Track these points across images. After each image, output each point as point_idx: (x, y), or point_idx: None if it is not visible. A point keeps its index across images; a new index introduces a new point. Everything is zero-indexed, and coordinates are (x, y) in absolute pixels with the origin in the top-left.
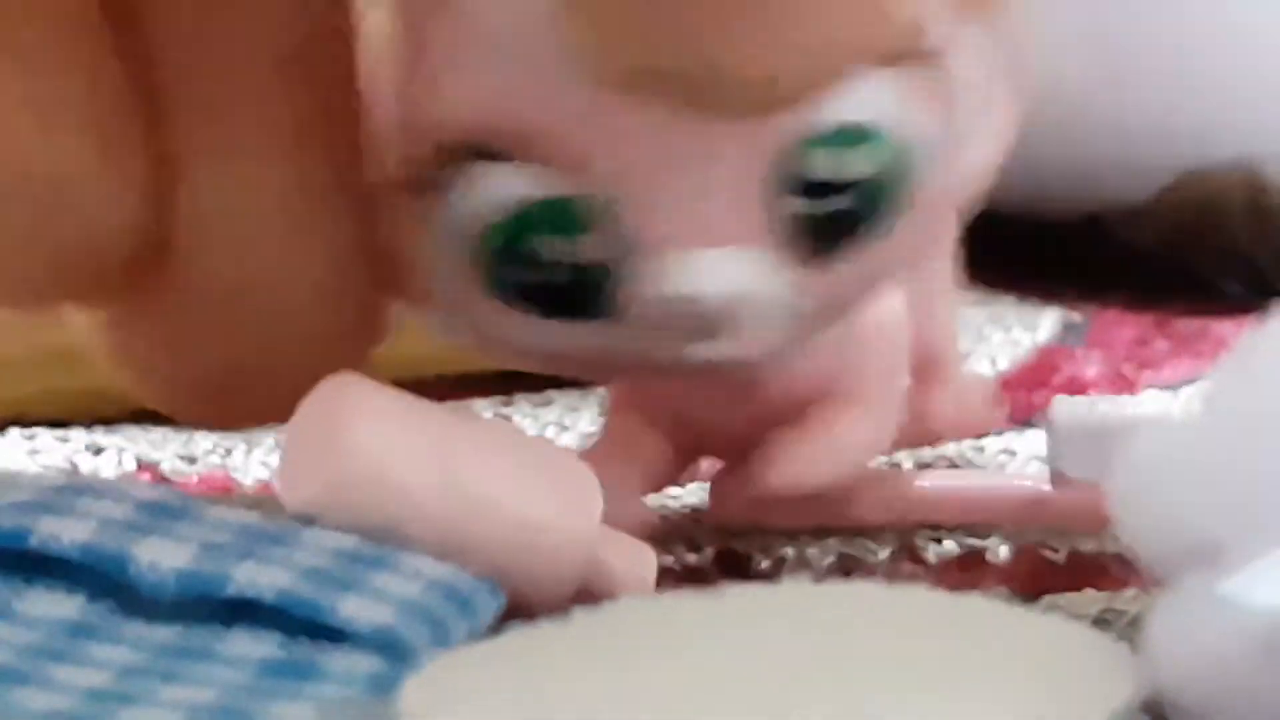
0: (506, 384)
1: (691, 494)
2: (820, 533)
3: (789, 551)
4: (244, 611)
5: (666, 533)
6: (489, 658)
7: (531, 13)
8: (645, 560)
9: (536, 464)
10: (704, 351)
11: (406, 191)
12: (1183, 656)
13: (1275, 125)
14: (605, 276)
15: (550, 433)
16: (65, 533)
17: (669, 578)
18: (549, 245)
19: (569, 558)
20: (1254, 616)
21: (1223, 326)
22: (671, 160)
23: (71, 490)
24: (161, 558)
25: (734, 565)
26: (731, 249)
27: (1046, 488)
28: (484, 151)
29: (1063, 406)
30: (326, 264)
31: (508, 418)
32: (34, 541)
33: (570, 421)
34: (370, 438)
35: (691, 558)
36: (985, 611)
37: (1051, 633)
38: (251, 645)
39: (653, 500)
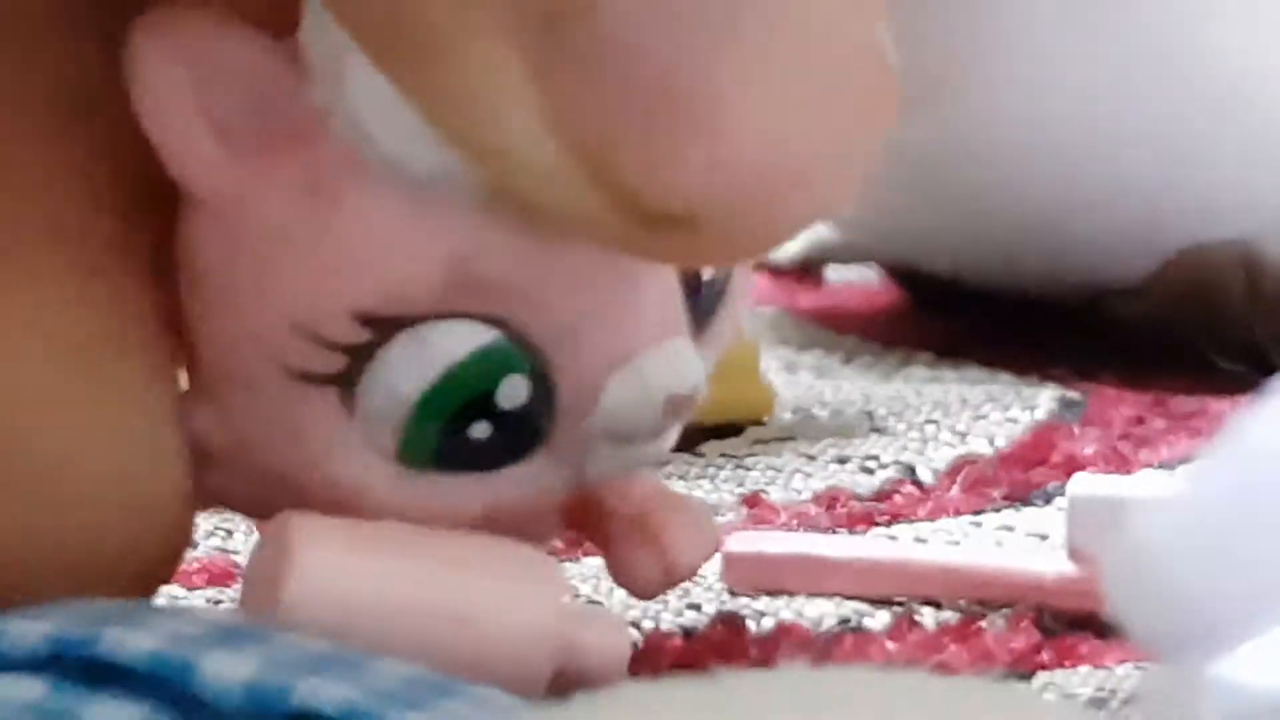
0: None
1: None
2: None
3: (787, 615)
4: None
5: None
6: None
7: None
8: (618, 634)
9: (491, 561)
10: (656, 450)
11: (304, 381)
12: None
13: (1273, 203)
14: (551, 407)
15: None
16: (133, 640)
17: (667, 640)
18: (499, 393)
19: (532, 648)
20: (1247, 697)
21: (1220, 404)
22: (611, 275)
23: (145, 608)
24: (226, 669)
25: (732, 627)
26: (680, 338)
27: (1048, 568)
28: (408, 318)
29: (1082, 483)
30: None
31: None
32: (102, 648)
33: None
34: (320, 560)
35: (690, 616)
36: (981, 694)
37: (1050, 714)
38: None
39: None
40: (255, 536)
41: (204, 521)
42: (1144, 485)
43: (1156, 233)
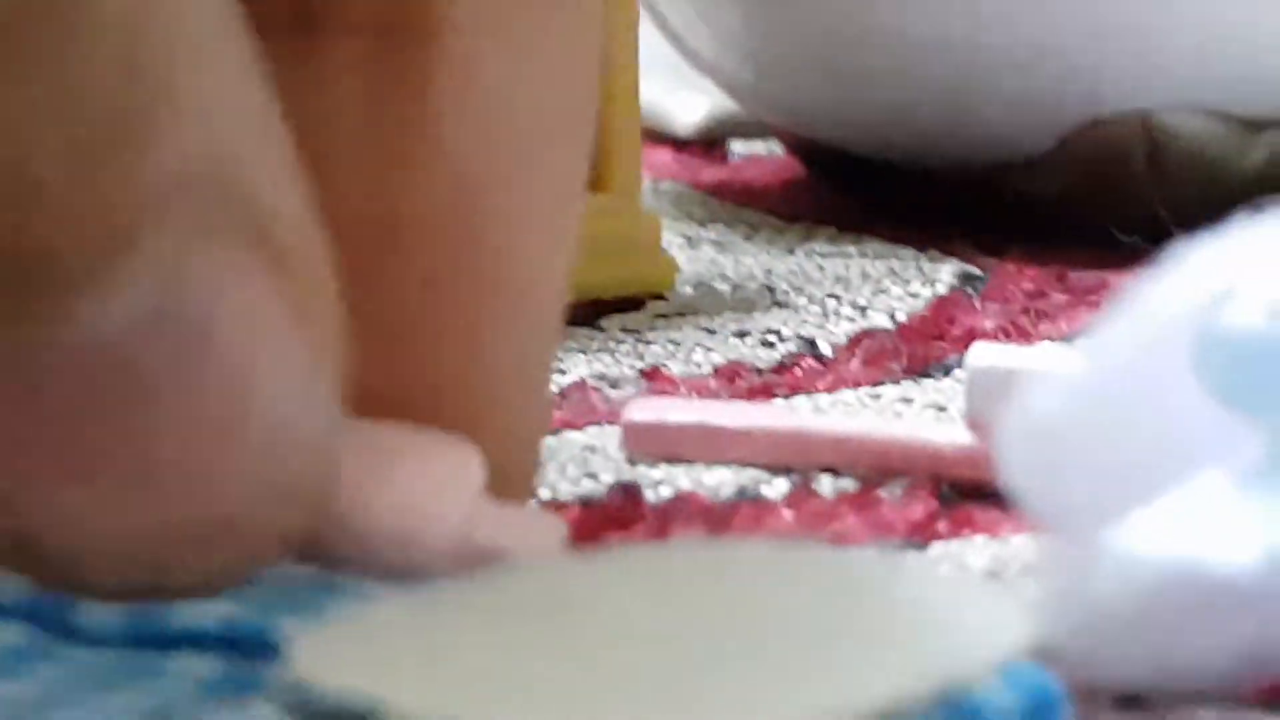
0: None
1: None
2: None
3: (685, 484)
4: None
5: (566, 461)
6: (383, 620)
7: None
8: (545, 538)
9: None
10: None
11: None
12: (1070, 606)
13: (1173, 75)
14: None
15: None
16: (2, 579)
17: (564, 509)
18: None
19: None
20: (1138, 565)
21: (1121, 278)
22: None
23: None
24: (106, 610)
25: (630, 496)
26: None
27: (946, 437)
28: None
29: (980, 354)
30: None
31: None
32: None
33: None
34: None
35: (587, 485)
36: (878, 566)
37: (944, 585)
38: (192, 663)
39: None
40: None
41: None
42: (1041, 357)
43: (1058, 106)
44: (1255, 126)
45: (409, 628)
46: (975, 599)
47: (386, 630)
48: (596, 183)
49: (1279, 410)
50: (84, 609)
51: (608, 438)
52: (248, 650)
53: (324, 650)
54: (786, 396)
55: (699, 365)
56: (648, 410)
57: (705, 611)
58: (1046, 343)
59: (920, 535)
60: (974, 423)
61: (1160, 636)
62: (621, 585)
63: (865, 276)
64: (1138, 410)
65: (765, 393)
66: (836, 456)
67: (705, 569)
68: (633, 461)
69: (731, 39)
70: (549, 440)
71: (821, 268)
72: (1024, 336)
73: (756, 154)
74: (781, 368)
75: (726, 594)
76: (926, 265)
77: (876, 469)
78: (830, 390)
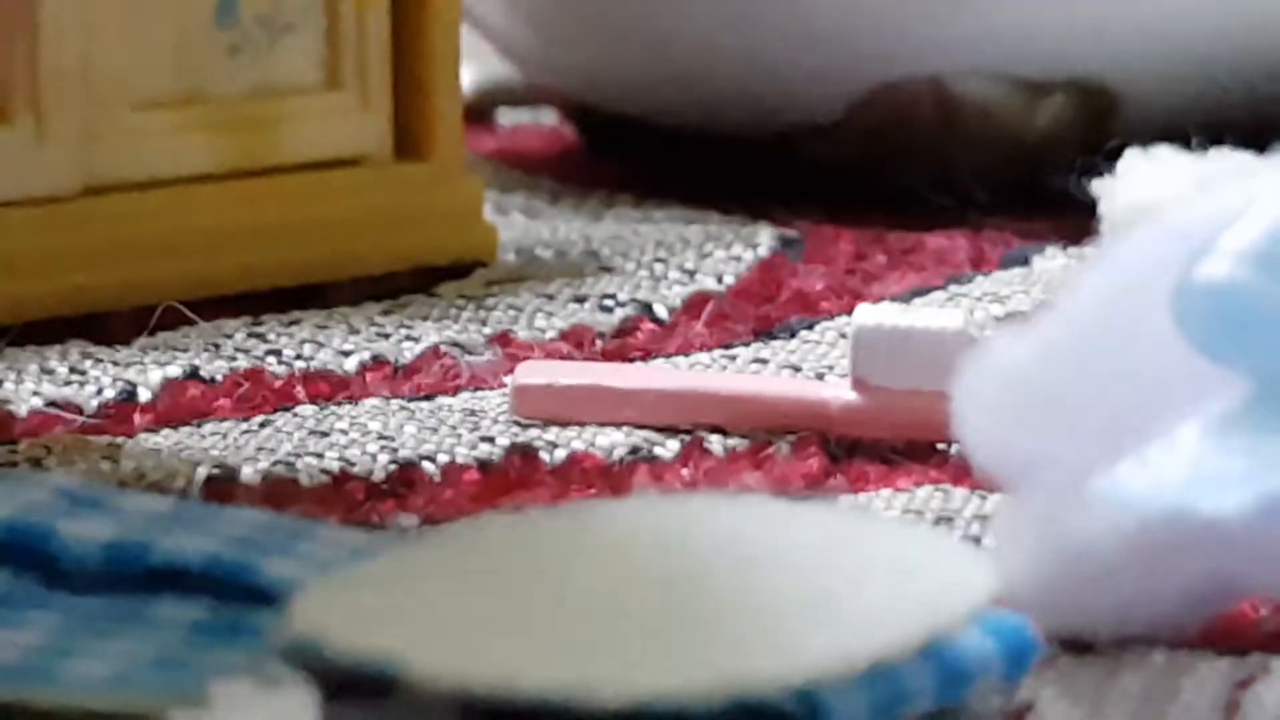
0: (256, 306)
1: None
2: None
3: (579, 445)
4: (169, 583)
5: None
6: (373, 576)
7: None
8: None
9: None
10: None
11: None
12: (1039, 556)
13: (960, 38)
14: None
15: (307, 350)
16: None
17: (463, 472)
18: None
19: None
20: (1126, 510)
21: (936, 239)
22: None
23: None
24: (86, 531)
25: (526, 458)
26: None
27: (833, 395)
28: None
29: (866, 314)
30: None
31: (260, 337)
32: None
33: (325, 339)
34: None
35: (484, 449)
36: (835, 518)
37: (904, 535)
38: (179, 610)
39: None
40: (25, 383)
41: None
42: (927, 316)
43: (849, 71)
44: (1042, 89)
45: (397, 584)
46: (937, 549)
47: (378, 586)
48: (419, 151)
49: (1261, 358)
50: (62, 538)
51: (485, 402)
52: (230, 593)
53: (323, 606)
54: (642, 359)
55: (543, 330)
56: (537, 373)
57: (682, 565)
58: (885, 303)
59: (818, 489)
60: (859, 381)
61: (1137, 581)
62: (603, 540)
63: (686, 242)
64: (1111, 363)
65: (619, 356)
66: (726, 415)
67: (673, 522)
68: (523, 424)
69: (520, 5)
70: (424, 405)
71: (637, 233)
72: (856, 297)
73: (523, 123)
74: (622, 331)
75: (700, 549)
76: (743, 230)
77: (764, 427)
78: (682, 353)
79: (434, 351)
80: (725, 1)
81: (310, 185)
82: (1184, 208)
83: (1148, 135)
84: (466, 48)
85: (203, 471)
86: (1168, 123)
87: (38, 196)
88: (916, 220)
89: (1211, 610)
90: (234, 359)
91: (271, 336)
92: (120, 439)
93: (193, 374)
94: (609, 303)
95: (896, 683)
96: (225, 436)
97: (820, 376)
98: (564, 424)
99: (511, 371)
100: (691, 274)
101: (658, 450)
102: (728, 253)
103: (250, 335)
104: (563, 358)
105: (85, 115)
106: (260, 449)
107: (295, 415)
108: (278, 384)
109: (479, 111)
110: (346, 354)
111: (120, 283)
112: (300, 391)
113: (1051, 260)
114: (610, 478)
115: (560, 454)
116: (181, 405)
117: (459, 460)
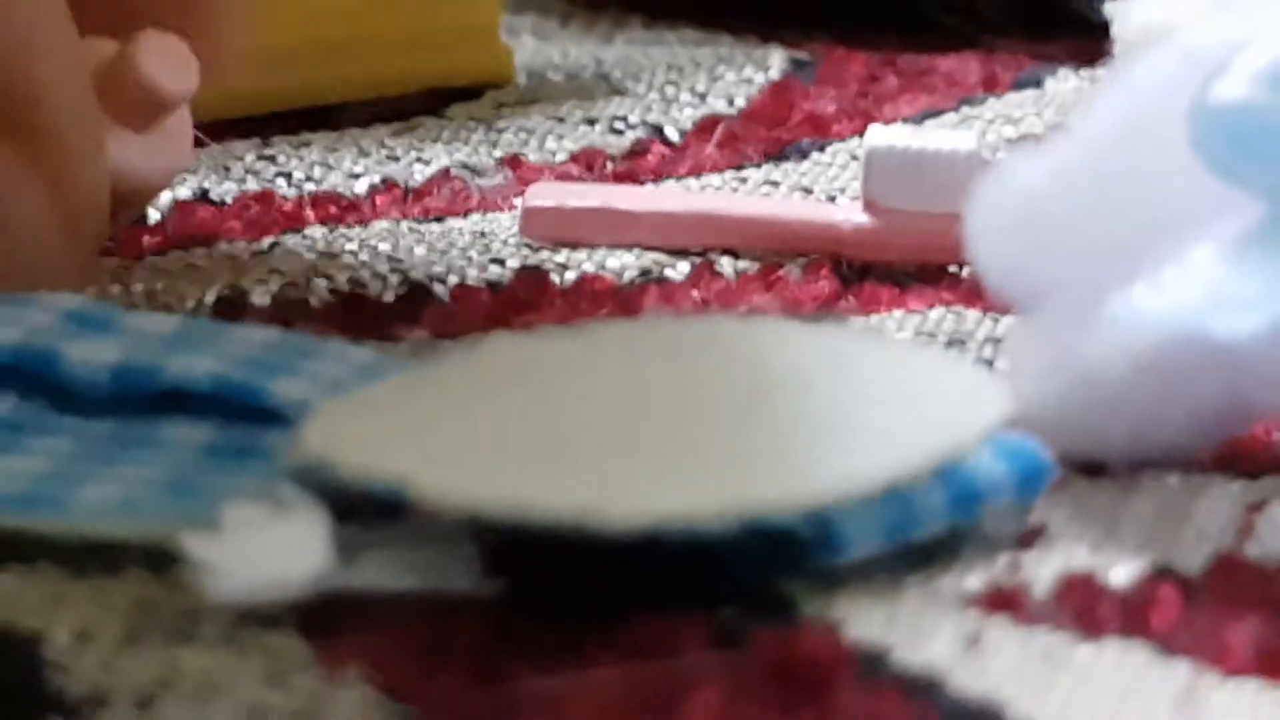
0: (263, 127)
1: None
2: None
3: (589, 267)
4: (178, 405)
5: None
6: (385, 400)
7: None
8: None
9: None
10: None
11: None
12: (1054, 377)
13: None
14: None
15: (317, 173)
16: None
17: (474, 294)
18: None
19: None
20: (1142, 329)
21: (947, 61)
22: None
23: None
24: (92, 355)
25: (536, 280)
26: None
27: (844, 217)
28: None
29: (878, 135)
30: None
31: (270, 159)
32: None
33: (334, 161)
34: None
35: (494, 270)
36: (846, 340)
37: (912, 356)
38: (189, 432)
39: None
40: None
41: None
42: (939, 138)
43: None
44: None
45: (409, 405)
46: (949, 372)
47: (389, 408)
48: None
49: (1276, 179)
50: (69, 361)
51: (495, 224)
52: (237, 413)
53: (334, 428)
54: (653, 181)
55: (554, 153)
56: (547, 195)
57: (693, 388)
58: (897, 125)
59: (830, 311)
60: (870, 203)
61: (1150, 404)
62: (614, 362)
63: (697, 64)
64: (1125, 185)
65: (630, 178)
66: (737, 237)
67: (687, 344)
68: (533, 246)
69: None
70: (434, 228)
71: (648, 55)
72: (868, 119)
73: None
74: (633, 154)
75: (711, 371)
76: (755, 53)
77: (775, 249)
78: (693, 175)
79: (444, 174)
80: None
81: (323, 5)
82: (1199, 29)
83: None
84: None
85: (212, 293)
86: None
87: None
88: (928, 42)
89: (1224, 433)
90: (243, 181)
91: (281, 159)
92: (130, 260)
93: (202, 196)
94: (620, 125)
95: (909, 505)
96: (235, 259)
97: (832, 199)
98: (574, 246)
99: (522, 194)
100: (703, 96)
101: (668, 272)
102: (739, 75)
103: (260, 158)
104: (573, 180)
105: None
106: (272, 270)
107: (305, 238)
108: (287, 206)
109: None
110: (356, 176)
111: None
112: (309, 214)
113: (1064, 82)
114: (620, 300)
115: (570, 276)
116: (191, 227)
117: (469, 282)
